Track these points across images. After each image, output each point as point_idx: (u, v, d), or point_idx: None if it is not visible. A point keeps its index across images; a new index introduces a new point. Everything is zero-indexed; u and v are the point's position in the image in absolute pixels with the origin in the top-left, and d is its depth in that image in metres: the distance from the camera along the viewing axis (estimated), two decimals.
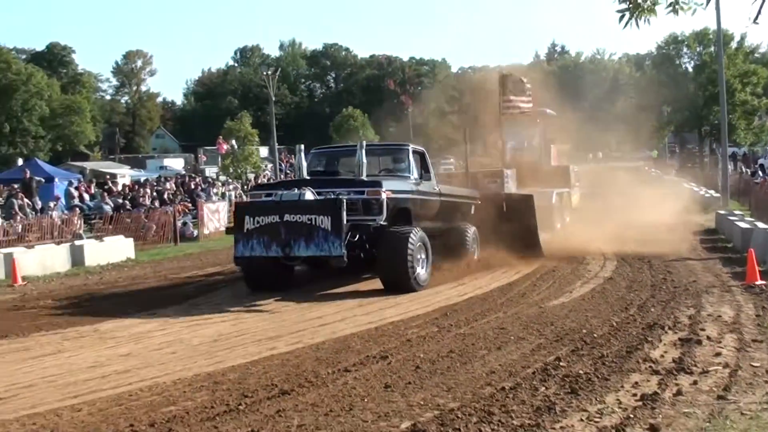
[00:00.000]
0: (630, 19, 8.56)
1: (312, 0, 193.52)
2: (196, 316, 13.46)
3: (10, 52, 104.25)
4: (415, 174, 17.17)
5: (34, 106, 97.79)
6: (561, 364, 9.01)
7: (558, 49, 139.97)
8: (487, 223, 19.32)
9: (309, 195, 15.15)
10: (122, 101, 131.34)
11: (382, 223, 15.19)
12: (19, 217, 26.40)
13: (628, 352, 9.59)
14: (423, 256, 15.72)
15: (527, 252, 19.05)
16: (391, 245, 15.17)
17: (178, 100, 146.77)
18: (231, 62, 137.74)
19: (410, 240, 15.18)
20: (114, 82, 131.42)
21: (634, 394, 7.76)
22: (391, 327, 11.85)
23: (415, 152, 17.63)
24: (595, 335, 10.61)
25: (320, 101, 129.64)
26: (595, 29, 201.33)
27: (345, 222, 14.43)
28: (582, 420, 6.98)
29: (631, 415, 7.08)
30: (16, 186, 32.25)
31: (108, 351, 10.89)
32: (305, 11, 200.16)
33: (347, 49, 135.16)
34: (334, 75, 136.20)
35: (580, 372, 8.55)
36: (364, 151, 16.09)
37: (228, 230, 18.56)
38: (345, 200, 14.64)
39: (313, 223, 14.55)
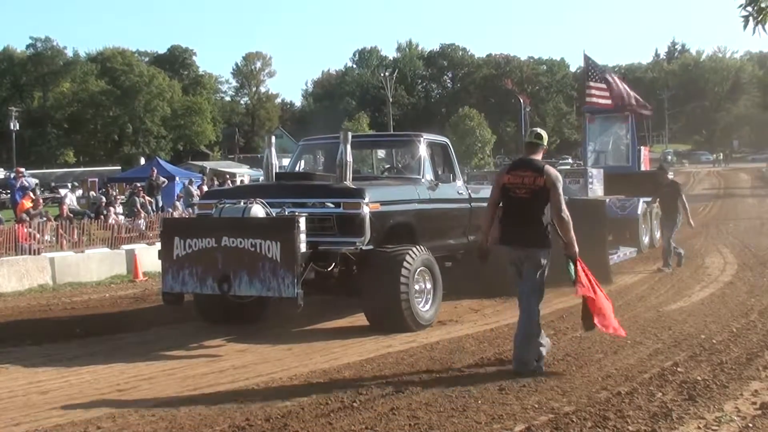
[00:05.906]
0: (755, 24, 8.34)
1: (430, 1, 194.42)
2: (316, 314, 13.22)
3: (133, 55, 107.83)
4: (428, 174, 13.41)
5: (156, 107, 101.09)
6: (678, 369, 8.84)
7: (678, 47, 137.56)
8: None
9: (258, 210, 11.17)
10: (242, 102, 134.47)
11: (364, 247, 11.49)
12: (141, 215, 27.09)
13: (748, 359, 9.34)
14: (427, 286, 12.16)
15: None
16: (377, 272, 11.45)
17: (297, 100, 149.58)
18: (349, 64, 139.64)
19: (405, 264, 11.48)
20: (234, 83, 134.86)
21: (754, 403, 7.53)
22: (507, 329, 11.72)
23: (431, 145, 13.97)
24: (714, 341, 10.38)
25: (437, 101, 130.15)
26: (717, 27, 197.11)
27: (302, 250, 10.58)
28: (699, 428, 6.82)
29: (750, 424, 6.88)
30: (138, 184, 33.17)
31: (226, 346, 11.09)
32: (423, 12, 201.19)
33: (464, 49, 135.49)
34: (450, 75, 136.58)
35: (698, 378, 8.36)
36: (349, 147, 12.10)
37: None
38: (303, 218, 10.75)
39: (258, 250, 10.60)
